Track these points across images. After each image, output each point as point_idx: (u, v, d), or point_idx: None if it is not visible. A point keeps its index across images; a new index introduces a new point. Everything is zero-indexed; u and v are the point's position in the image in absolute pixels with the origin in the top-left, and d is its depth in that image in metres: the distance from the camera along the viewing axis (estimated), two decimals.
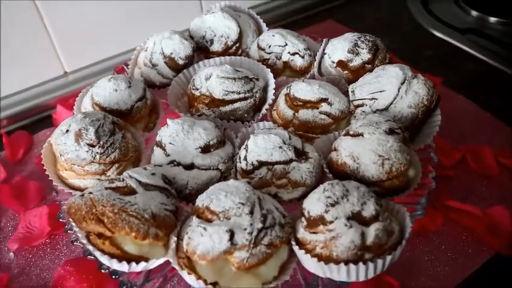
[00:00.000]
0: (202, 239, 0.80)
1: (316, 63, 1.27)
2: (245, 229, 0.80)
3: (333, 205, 0.82)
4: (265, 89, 1.21)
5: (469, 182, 1.27)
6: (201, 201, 0.87)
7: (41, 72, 1.63)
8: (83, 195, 0.87)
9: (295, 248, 0.85)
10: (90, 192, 0.86)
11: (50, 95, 1.63)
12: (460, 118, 1.45)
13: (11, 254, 1.19)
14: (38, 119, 1.62)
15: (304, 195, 0.91)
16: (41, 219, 1.23)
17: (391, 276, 1.04)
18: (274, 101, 1.19)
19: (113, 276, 0.91)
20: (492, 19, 1.87)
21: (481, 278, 1.07)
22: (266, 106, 1.18)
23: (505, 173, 1.28)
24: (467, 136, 1.39)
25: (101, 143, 0.99)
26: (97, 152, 0.98)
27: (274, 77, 1.23)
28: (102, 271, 0.92)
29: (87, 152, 0.98)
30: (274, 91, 1.19)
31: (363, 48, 1.20)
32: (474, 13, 1.91)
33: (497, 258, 1.10)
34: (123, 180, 0.89)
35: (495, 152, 1.32)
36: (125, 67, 1.39)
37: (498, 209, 1.17)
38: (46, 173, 1.03)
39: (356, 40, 1.22)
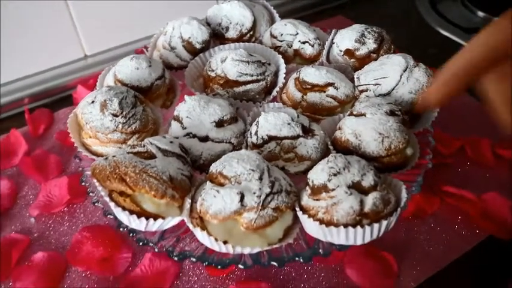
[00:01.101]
0: (215, 200, 0.88)
1: (324, 52, 1.34)
2: (254, 193, 0.88)
3: (335, 175, 0.90)
4: (276, 74, 1.28)
5: (466, 170, 1.33)
6: (215, 167, 0.94)
7: (62, 54, 1.70)
8: (106, 158, 0.95)
9: (299, 213, 0.92)
10: (114, 156, 0.94)
11: (70, 77, 1.70)
12: (461, 112, 1.51)
13: (32, 219, 1.27)
14: (59, 98, 1.69)
15: (309, 169, 0.98)
16: (60, 188, 1.31)
17: (388, 252, 1.11)
18: (284, 84, 1.27)
19: (131, 234, 0.99)
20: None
21: (474, 259, 1.13)
22: (276, 89, 1.25)
23: (501, 163, 1.34)
24: (467, 129, 1.44)
25: (124, 113, 1.07)
26: (120, 122, 1.06)
27: (285, 64, 1.30)
28: (121, 230, 1.00)
29: (110, 121, 1.06)
30: (284, 75, 1.26)
31: (369, 39, 1.27)
32: (480, 14, 1.97)
33: (490, 241, 1.15)
34: (144, 146, 0.97)
35: (493, 144, 1.37)
36: (144, 50, 1.47)
37: (492, 195, 1.23)
38: (71, 140, 1.11)
39: (363, 31, 1.29)
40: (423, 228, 1.19)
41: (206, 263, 0.94)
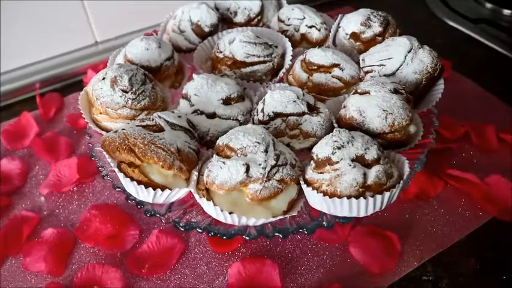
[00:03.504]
0: (221, 171, 0.90)
1: (331, 35, 1.36)
2: (260, 164, 0.90)
3: (339, 148, 0.92)
4: (283, 56, 1.31)
5: (470, 155, 1.35)
6: (221, 140, 0.97)
7: (73, 40, 1.73)
8: (115, 131, 0.97)
9: (304, 186, 0.94)
10: (123, 129, 0.96)
11: (81, 62, 1.74)
12: (466, 99, 1.53)
13: (42, 198, 1.30)
14: (69, 84, 1.72)
15: (314, 145, 1.00)
16: (70, 168, 1.33)
17: (392, 232, 1.12)
18: (291, 66, 1.29)
19: (139, 206, 1.01)
20: (506, 11, 1.93)
21: (477, 240, 1.14)
22: (283, 70, 1.28)
23: (505, 147, 1.35)
24: (472, 115, 1.46)
25: (133, 89, 1.09)
26: (129, 98, 1.09)
27: (292, 48, 1.32)
28: (129, 202, 1.02)
29: (120, 96, 1.08)
30: (291, 58, 1.28)
31: (374, 22, 1.29)
32: (488, 5, 1.98)
33: (493, 223, 1.17)
34: (153, 119, 0.99)
35: (497, 129, 1.38)
36: (154, 34, 1.50)
37: (496, 178, 1.24)
38: (82, 116, 1.14)
39: (369, 14, 1.31)
40: (427, 209, 1.20)
41: (212, 233, 0.96)
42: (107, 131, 1.12)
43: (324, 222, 0.96)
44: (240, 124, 1.11)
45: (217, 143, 0.97)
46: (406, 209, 1.20)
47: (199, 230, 0.97)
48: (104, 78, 1.10)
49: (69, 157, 1.40)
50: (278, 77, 1.27)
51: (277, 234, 0.95)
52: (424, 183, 1.24)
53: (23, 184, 1.34)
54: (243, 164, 0.89)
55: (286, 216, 0.93)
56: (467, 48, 1.80)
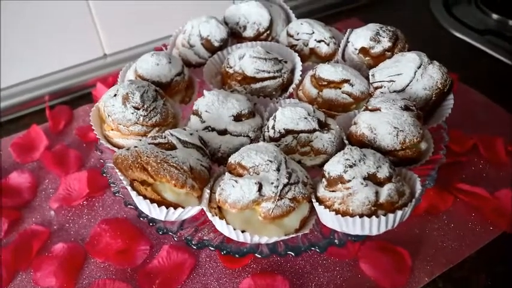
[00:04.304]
0: (234, 190, 0.91)
1: (340, 50, 1.36)
2: (272, 183, 0.90)
3: (351, 166, 0.92)
4: (292, 71, 1.31)
5: (479, 168, 1.35)
6: (234, 158, 0.97)
7: (82, 53, 1.74)
8: (128, 149, 0.97)
9: (316, 204, 0.94)
10: (136, 146, 0.97)
11: (90, 75, 1.74)
12: (474, 111, 1.53)
13: (52, 212, 1.30)
14: (79, 96, 1.73)
15: (325, 163, 1.00)
16: (80, 182, 1.34)
17: (402, 247, 1.12)
18: (301, 81, 1.29)
19: (151, 224, 1.02)
20: None
21: (487, 254, 1.14)
22: (293, 86, 1.28)
23: None
24: (479, 127, 1.46)
25: (145, 106, 1.10)
26: (141, 115, 1.09)
27: (301, 62, 1.33)
28: (141, 219, 1.02)
29: (132, 113, 1.09)
30: (300, 73, 1.29)
31: (384, 37, 1.29)
32: (495, 16, 1.98)
33: (503, 237, 1.16)
34: (165, 137, 1.00)
35: (505, 142, 1.38)
36: (164, 48, 1.51)
37: (505, 192, 1.25)
38: (94, 132, 1.14)
39: (378, 29, 1.31)
40: (437, 224, 1.20)
41: (224, 251, 0.96)
42: (118, 147, 1.13)
43: (335, 240, 0.97)
44: (251, 141, 1.12)
45: (229, 161, 0.98)
46: (416, 224, 1.20)
47: (212, 248, 0.97)
48: (115, 95, 1.11)
49: (79, 170, 1.40)
50: (288, 93, 1.28)
51: (289, 252, 0.95)
52: (434, 198, 1.24)
53: (32, 198, 1.35)
54: (255, 183, 0.89)
55: (298, 234, 0.93)
56: (474, 59, 1.80)
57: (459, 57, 1.80)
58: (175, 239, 1.00)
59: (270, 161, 0.92)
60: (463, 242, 1.16)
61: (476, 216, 1.21)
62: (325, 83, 1.21)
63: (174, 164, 0.93)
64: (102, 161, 1.16)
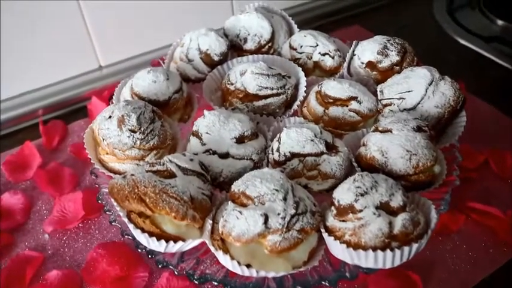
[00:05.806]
0: (238, 222, 0.85)
1: (345, 64, 1.31)
2: (279, 214, 0.85)
3: (362, 195, 0.86)
4: (296, 87, 1.26)
5: (491, 184, 1.30)
6: (237, 186, 0.91)
7: (77, 65, 1.68)
8: (124, 176, 0.92)
9: (325, 234, 0.89)
10: (132, 174, 0.91)
11: (85, 87, 1.68)
12: (482, 123, 1.48)
13: (46, 235, 1.24)
14: (73, 110, 1.67)
15: (333, 187, 0.95)
16: (75, 203, 1.28)
17: (413, 271, 1.07)
18: (305, 98, 1.24)
19: (149, 256, 0.96)
20: None
21: (502, 277, 1.09)
22: (297, 102, 1.23)
23: None
24: (489, 140, 1.41)
25: (142, 129, 1.04)
26: (138, 138, 1.04)
27: (305, 76, 1.27)
28: (139, 251, 0.97)
29: (128, 137, 1.03)
30: (305, 88, 1.24)
31: (392, 51, 1.24)
32: (500, 22, 1.94)
33: None
34: (164, 164, 0.94)
35: None
36: (161, 62, 1.46)
37: None
38: (88, 156, 1.09)
39: (385, 42, 1.26)
40: (448, 245, 1.16)
41: (228, 287, 0.91)
42: (114, 171, 1.08)
43: (346, 274, 0.92)
44: (255, 163, 1.07)
45: (232, 190, 0.92)
46: (426, 246, 1.13)
47: (215, 283, 0.92)
48: (110, 117, 1.06)
49: (73, 190, 1.35)
50: (292, 110, 1.23)
51: (298, 287, 0.90)
52: (444, 217, 1.18)
53: (25, 220, 1.29)
54: (261, 215, 0.84)
55: (307, 267, 0.88)
56: (480, 67, 1.75)
57: (465, 65, 1.75)
58: (176, 273, 0.95)
59: (276, 190, 0.87)
60: (476, 265, 1.11)
61: (489, 236, 1.17)
62: (332, 100, 1.16)
63: (174, 195, 0.87)
64: (97, 185, 1.10)
